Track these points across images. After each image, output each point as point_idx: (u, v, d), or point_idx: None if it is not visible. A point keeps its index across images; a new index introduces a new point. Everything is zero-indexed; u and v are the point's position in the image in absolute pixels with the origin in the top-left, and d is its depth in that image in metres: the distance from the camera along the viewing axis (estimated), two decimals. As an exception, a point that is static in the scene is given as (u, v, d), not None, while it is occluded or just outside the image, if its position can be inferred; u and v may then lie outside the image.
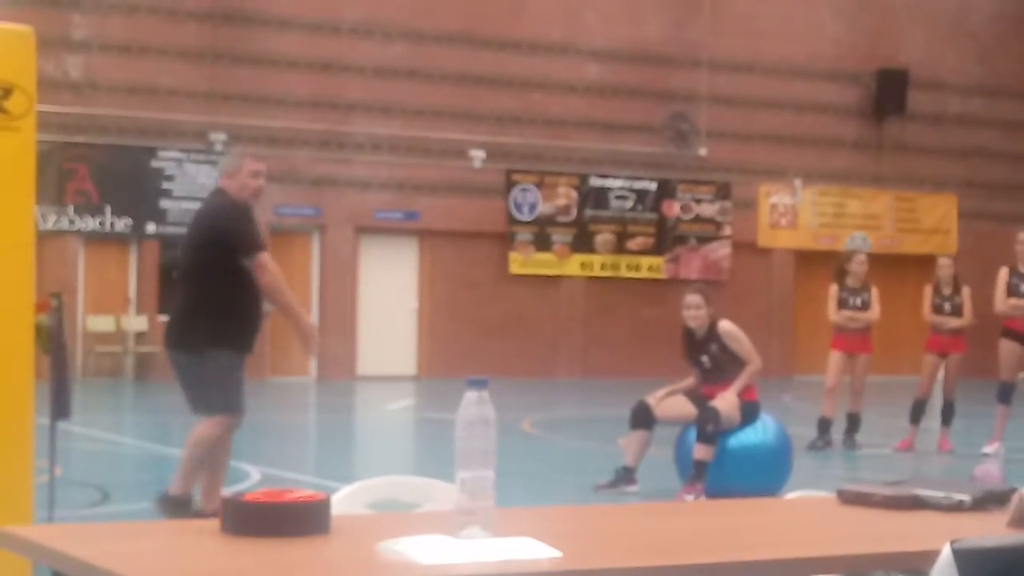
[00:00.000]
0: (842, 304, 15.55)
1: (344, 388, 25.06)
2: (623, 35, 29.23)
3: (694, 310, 11.63)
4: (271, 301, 8.82)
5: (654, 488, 11.49)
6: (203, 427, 8.71)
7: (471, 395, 3.34)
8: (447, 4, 27.85)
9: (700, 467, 11.08)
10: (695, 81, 29.77)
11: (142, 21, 25.74)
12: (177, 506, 8.60)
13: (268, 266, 8.69)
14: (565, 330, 28.87)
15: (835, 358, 15.61)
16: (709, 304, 11.64)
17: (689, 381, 11.75)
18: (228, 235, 8.67)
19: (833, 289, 15.68)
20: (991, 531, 3.44)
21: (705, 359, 11.59)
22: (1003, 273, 15.01)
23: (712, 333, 11.57)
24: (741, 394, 11.37)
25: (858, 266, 15.70)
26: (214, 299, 8.64)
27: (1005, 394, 15.09)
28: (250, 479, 11.96)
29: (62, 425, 8.43)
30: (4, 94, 6.65)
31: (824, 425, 15.47)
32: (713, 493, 10.75)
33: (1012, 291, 14.86)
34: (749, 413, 11.41)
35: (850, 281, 15.63)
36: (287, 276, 28.78)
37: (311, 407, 23.31)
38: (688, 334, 11.72)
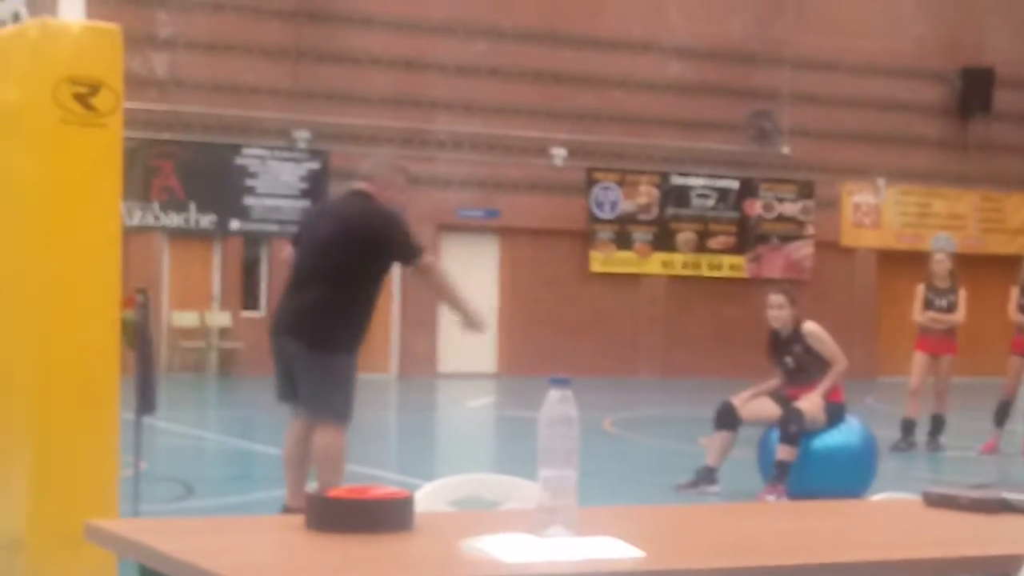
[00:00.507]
0: (928, 305, 15.41)
1: (425, 385, 25.14)
2: (705, 32, 29.12)
3: (776, 309, 11.57)
4: (442, 297, 8.99)
5: (735, 489, 11.44)
6: (329, 439, 8.63)
7: (554, 394, 3.34)
8: (528, 2, 27.88)
9: (782, 468, 11.02)
10: (777, 79, 29.61)
11: (227, 19, 25.95)
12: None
13: (437, 265, 8.91)
14: (646, 329, 28.81)
15: (919, 359, 15.49)
16: (793, 304, 11.58)
17: (774, 382, 11.70)
18: (391, 239, 8.61)
19: (920, 289, 15.53)
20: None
21: (789, 360, 11.53)
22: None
23: (796, 334, 11.52)
24: (827, 395, 11.31)
25: (936, 265, 15.57)
26: (353, 302, 8.58)
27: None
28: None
29: (147, 420, 8.50)
30: (92, 91, 6.73)
31: (908, 427, 15.35)
32: (796, 495, 10.68)
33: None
34: (834, 414, 11.34)
35: (937, 282, 15.48)
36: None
37: (392, 404, 23.38)
38: (773, 335, 11.68)
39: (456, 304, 8.85)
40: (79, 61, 6.74)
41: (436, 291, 8.92)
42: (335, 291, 8.52)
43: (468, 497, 4.28)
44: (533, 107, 27.79)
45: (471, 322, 8.84)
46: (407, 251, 8.63)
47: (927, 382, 15.52)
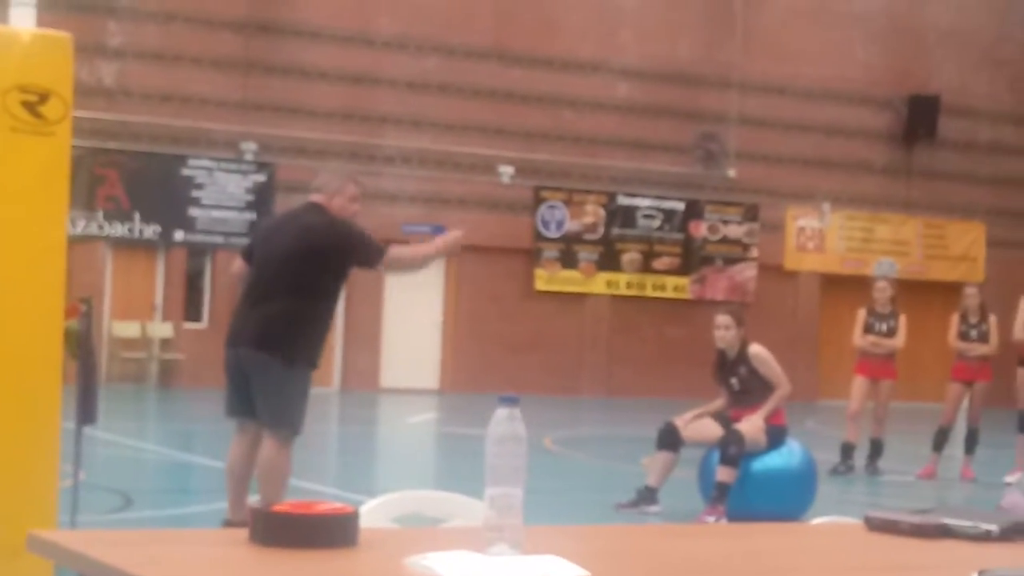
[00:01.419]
0: (868, 329, 15.54)
1: (367, 400, 25.09)
2: (655, 54, 29.25)
3: (723, 330, 11.63)
4: (419, 268, 9.00)
5: (676, 509, 11.48)
6: (275, 453, 8.54)
7: (502, 411, 3.34)
8: (480, 19, 27.91)
9: (722, 489, 11.06)
10: (726, 102, 29.77)
11: (176, 30, 25.86)
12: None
13: (394, 253, 8.76)
14: (589, 348, 28.87)
15: (859, 383, 15.60)
16: (740, 325, 11.64)
17: (718, 403, 11.75)
18: (354, 248, 8.67)
19: (861, 313, 15.67)
20: (1019, 562, 3.43)
21: (734, 381, 11.59)
22: (1024, 303, 15.01)
23: (742, 355, 11.58)
24: (769, 418, 11.36)
25: (878, 292, 15.72)
26: (316, 314, 8.55)
27: (1024, 423, 15.07)
28: (272, 489, 11.95)
29: (87, 430, 8.44)
30: (41, 100, 6.69)
31: (847, 450, 15.44)
32: (736, 516, 10.73)
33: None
34: (776, 437, 11.39)
35: (878, 307, 15.62)
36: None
37: (333, 418, 23.31)
38: (720, 355, 11.74)
39: (433, 259, 8.96)
40: (29, 69, 6.70)
41: (411, 271, 9.00)
42: (298, 304, 8.51)
43: (412, 514, 4.27)
44: (482, 124, 27.83)
45: (451, 253, 9.02)
46: (371, 255, 8.66)
47: (867, 406, 15.62)
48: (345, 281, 8.78)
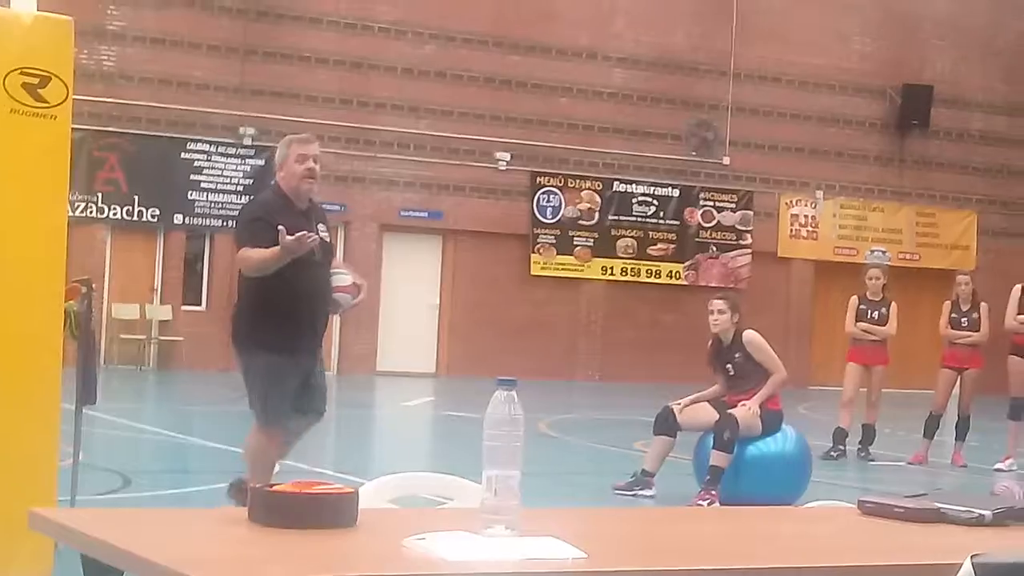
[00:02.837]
0: (860, 316, 15.58)
1: (363, 383, 25.11)
2: (651, 43, 29.25)
3: (717, 314, 11.68)
4: (262, 273, 8.07)
5: (670, 493, 11.52)
6: (253, 438, 8.39)
7: (500, 394, 3.38)
8: (478, 7, 27.89)
9: (715, 473, 11.10)
10: (720, 90, 29.77)
11: (176, 14, 25.85)
12: (240, 491, 8.07)
13: (240, 257, 8.16)
14: (584, 333, 28.90)
15: (851, 370, 15.65)
16: (735, 311, 11.68)
17: (715, 388, 11.79)
18: (236, 230, 8.45)
19: (853, 301, 15.72)
20: (1011, 547, 3.47)
21: (730, 367, 11.63)
22: (1016, 290, 15.04)
23: (737, 341, 11.62)
24: (765, 403, 11.41)
25: (870, 281, 15.76)
26: (250, 296, 8.35)
27: (1016, 411, 15.12)
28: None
29: (86, 411, 8.48)
30: (42, 82, 6.73)
31: (839, 436, 15.49)
32: (731, 501, 10.76)
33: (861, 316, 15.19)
34: (771, 422, 11.44)
35: (870, 295, 15.68)
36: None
37: (330, 401, 23.31)
38: (715, 340, 11.78)
39: (271, 262, 7.98)
40: (30, 52, 6.74)
41: (254, 273, 8.11)
42: (242, 290, 8.47)
43: (410, 495, 4.31)
44: (479, 111, 27.82)
45: (294, 253, 7.96)
46: (237, 238, 8.34)
47: (859, 393, 15.69)
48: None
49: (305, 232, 7.87)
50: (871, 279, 15.77)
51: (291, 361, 8.23)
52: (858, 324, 15.57)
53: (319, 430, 16.06)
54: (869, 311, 15.57)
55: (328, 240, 8.46)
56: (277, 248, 7.86)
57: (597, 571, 3.21)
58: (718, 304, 11.75)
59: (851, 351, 15.76)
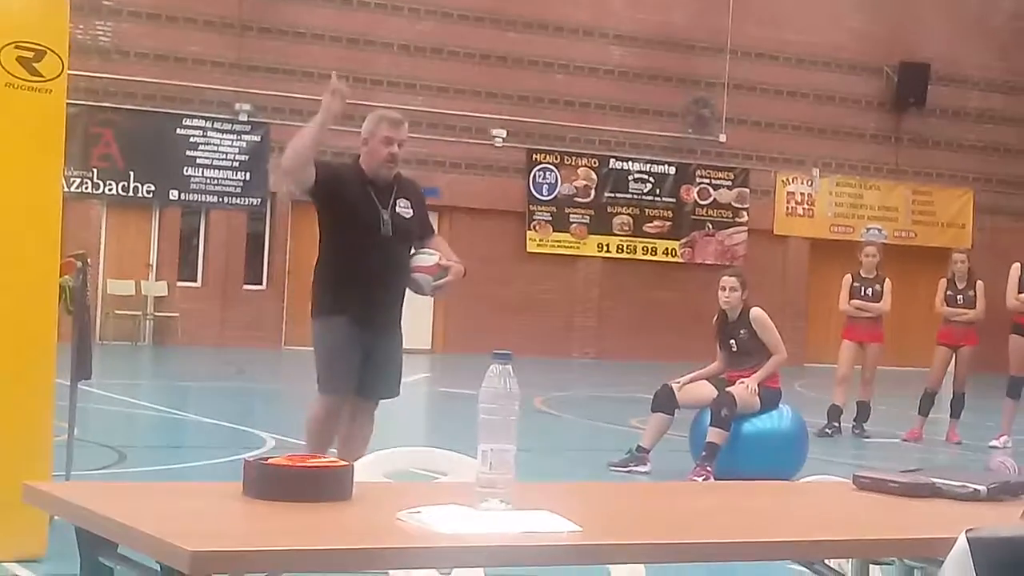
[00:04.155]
0: (854, 294, 15.59)
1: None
2: (648, 20, 29.22)
3: (729, 291, 11.68)
4: (308, 149, 7.85)
5: (666, 469, 11.53)
6: (310, 406, 8.23)
7: (495, 368, 3.37)
8: (475, -18, 27.90)
9: (712, 449, 11.12)
10: (717, 68, 29.75)
11: (172, -11, 25.82)
12: None
13: (281, 161, 7.96)
14: (580, 310, 28.92)
15: (846, 347, 15.66)
16: (744, 288, 11.70)
17: (714, 367, 11.79)
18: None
19: (847, 279, 15.72)
20: (1006, 522, 3.48)
21: (733, 342, 11.65)
22: (1015, 269, 15.04)
23: (743, 318, 11.63)
24: (764, 381, 11.42)
25: (865, 258, 15.76)
26: (319, 265, 8.23)
27: (1014, 389, 15.13)
28: (265, 445, 12.04)
29: (81, 386, 8.47)
30: (37, 56, 6.72)
31: (834, 413, 15.51)
32: (726, 477, 10.76)
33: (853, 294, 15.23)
34: (769, 400, 11.46)
35: (864, 272, 15.68)
36: (306, 247, 28.57)
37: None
38: (721, 316, 11.78)
39: (319, 130, 7.86)
40: (25, 25, 6.73)
41: (301, 149, 7.85)
42: (318, 258, 8.31)
43: (405, 470, 4.31)
44: (476, 87, 27.81)
45: (333, 109, 7.89)
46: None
47: (854, 370, 15.71)
48: (335, 223, 8.10)
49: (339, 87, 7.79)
50: (867, 256, 15.78)
51: (352, 333, 8.01)
52: (852, 301, 15.58)
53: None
54: (863, 288, 15.58)
55: (410, 217, 8.19)
56: (317, 123, 7.80)
57: (592, 544, 3.22)
58: (730, 281, 11.76)
59: (845, 328, 15.78)
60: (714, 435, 11.14)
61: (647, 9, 29.21)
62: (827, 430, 15.32)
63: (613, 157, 29.19)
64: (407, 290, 8.26)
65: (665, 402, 11.65)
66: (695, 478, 10.96)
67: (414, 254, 8.15)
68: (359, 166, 8.15)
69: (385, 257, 8.02)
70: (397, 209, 8.08)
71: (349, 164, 8.19)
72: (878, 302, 15.52)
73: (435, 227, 8.58)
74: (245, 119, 26.35)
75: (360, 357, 8.05)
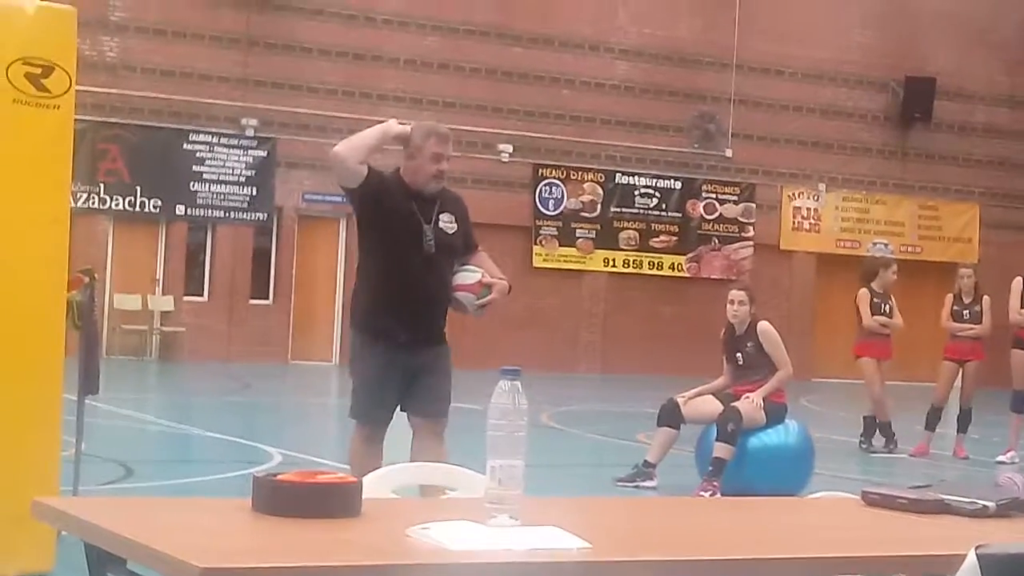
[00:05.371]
0: (874, 310, 15.56)
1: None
2: (653, 35, 29.26)
3: (737, 305, 11.69)
4: (366, 147, 7.54)
5: (672, 484, 11.52)
6: (351, 436, 7.91)
7: (504, 384, 3.37)
8: (481, -2, 27.96)
9: (719, 465, 11.11)
10: (723, 82, 29.77)
11: (178, 5, 25.87)
12: None
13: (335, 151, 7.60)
14: (586, 324, 28.91)
15: (872, 365, 15.60)
16: (752, 302, 11.72)
17: (720, 381, 11.78)
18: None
19: (865, 293, 15.63)
20: (1015, 538, 3.48)
21: (740, 356, 11.65)
22: (1017, 283, 15.02)
23: (750, 331, 11.64)
24: (769, 396, 11.42)
25: (894, 276, 15.75)
26: (358, 279, 7.92)
27: (1019, 403, 15.10)
28: (272, 460, 12.04)
29: (88, 401, 8.47)
30: (45, 72, 6.72)
31: (885, 428, 15.57)
32: (733, 493, 10.76)
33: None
34: (775, 414, 11.45)
35: (879, 287, 15.63)
36: (312, 261, 28.50)
37: (332, 391, 23.37)
38: (729, 329, 11.79)
39: (374, 138, 7.61)
40: (33, 42, 6.73)
41: (353, 149, 7.54)
42: (357, 273, 8.02)
43: (413, 485, 4.31)
44: (482, 102, 27.83)
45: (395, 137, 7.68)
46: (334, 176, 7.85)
47: (864, 385, 15.72)
48: (377, 237, 7.74)
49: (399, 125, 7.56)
50: (894, 274, 15.81)
51: (392, 358, 7.72)
52: (875, 318, 15.53)
53: (323, 421, 15.96)
54: (882, 305, 15.59)
55: (453, 232, 7.83)
56: (377, 129, 7.56)
57: (601, 561, 3.21)
58: (739, 295, 11.77)
59: (868, 345, 15.65)
60: (721, 450, 11.13)
61: (653, 24, 29.25)
62: (890, 445, 15.42)
63: (619, 172, 29.20)
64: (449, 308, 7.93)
65: (670, 416, 11.64)
66: (702, 493, 10.95)
67: (456, 272, 7.84)
68: (401, 178, 7.78)
69: (427, 273, 7.72)
70: (440, 224, 7.76)
71: (392, 175, 7.80)
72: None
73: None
74: (252, 134, 26.38)
75: (404, 380, 7.80)
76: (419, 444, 7.90)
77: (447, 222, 7.79)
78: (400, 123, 7.78)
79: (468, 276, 7.86)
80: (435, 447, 7.82)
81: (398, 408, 7.88)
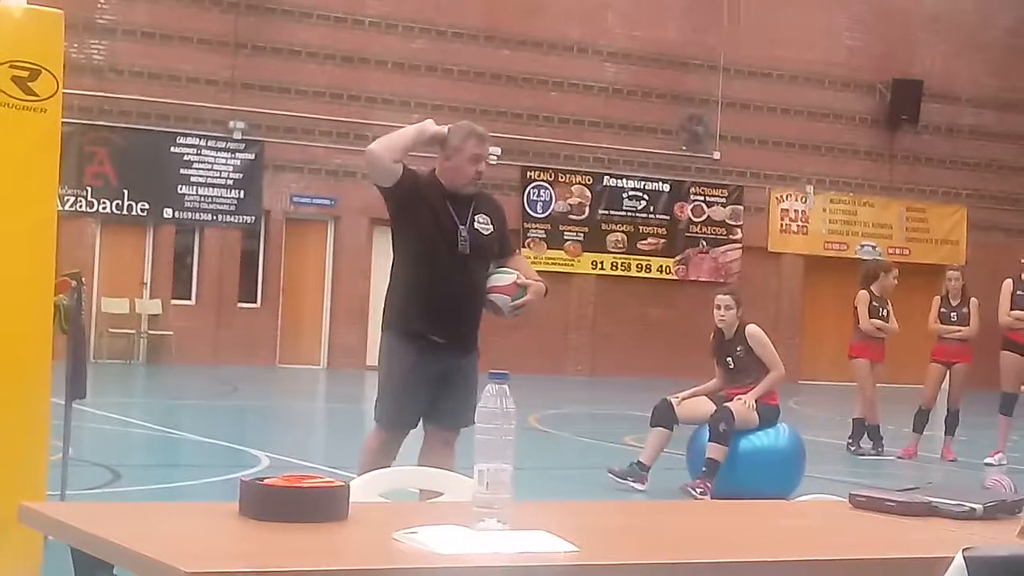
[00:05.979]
0: (872, 313, 15.56)
1: (353, 377, 25.09)
2: (641, 37, 29.28)
3: (724, 310, 11.68)
4: (401, 147, 7.53)
5: (662, 487, 11.52)
6: (368, 433, 7.86)
7: (492, 388, 3.38)
8: (468, 1, 27.93)
9: (712, 466, 11.11)
10: (711, 85, 29.80)
11: (166, 8, 25.84)
12: None
13: (370, 148, 7.58)
14: (574, 327, 28.92)
15: (866, 367, 15.61)
16: (739, 306, 11.71)
17: (713, 383, 11.79)
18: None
19: (865, 296, 15.62)
20: (1002, 540, 3.48)
21: (730, 360, 11.65)
22: (1007, 285, 15.04)
23: (739, 335, 11.64)
24: (762, 397, 11.42)
25: (895, 280, 15.75)
26: (391, 280, 7.77)
27: (1007, 405, 15.13)
28: (260, 464, 12.02)
29: (76, 405, 8.45)
30: (32, 75, 6.70)
31: (874, 430, 15.58)
32: (724, 494, 10.77)
33: (1016, 303, 14.91)
34: (768, 416, 11.45)
35: (878, 291, 15.62)
36: (300, 264, 28.46)
37: (320, 395, 23.37)
38: (718, 334, 11.79)
39: (410, 138, 7.62)
40: (20, 45, 6.71)
41: (387, 149, 7.54)
42: (390, 274, 7.85)
43: (400, 489, 4.30)
44: (470, 105, 27.79)
45: (436, 138, 7.66)
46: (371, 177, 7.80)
47: (853, 388, 15.73)
48: (409, 237, 7.64)
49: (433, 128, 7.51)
50: (895, 279, 15.80)
51: (423, 360, 7.59)
52: (872, 321, 15.54)
53: (310, 424, 15.97)
54: (880, 309, 15.60)
55: (489, 233, 7.72)
56: (412, 130, 7.53)
57: (589, 564, 3.21)
58: (725, 300, 11.76)
59: (863, 347, 15.66)
60: (713, 451, 11.14)
61: (641, 26, 29.27)
62: (879, 447, 15.45)
63: (607, 174, 29.21)
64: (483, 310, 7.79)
65: (664, 417, 11.64)
66: (692, 489, 10.97)
67: (490, 273, 7.70)
68: (437, 178, 7.69)
69: (461, 275, 7.60)
70: (476, 225, 7.65)
71: (428, 175, 7.72)
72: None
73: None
74: (239, 137, 26.35)
75: (433, 385, 7.65)
76: (428, 450, 7.77)
77: (482, 223, 7.70)
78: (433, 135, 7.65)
79: (503, 278, 7.73)
80: (444, 454, 7.65)
81: (421, 419, 7.75)
